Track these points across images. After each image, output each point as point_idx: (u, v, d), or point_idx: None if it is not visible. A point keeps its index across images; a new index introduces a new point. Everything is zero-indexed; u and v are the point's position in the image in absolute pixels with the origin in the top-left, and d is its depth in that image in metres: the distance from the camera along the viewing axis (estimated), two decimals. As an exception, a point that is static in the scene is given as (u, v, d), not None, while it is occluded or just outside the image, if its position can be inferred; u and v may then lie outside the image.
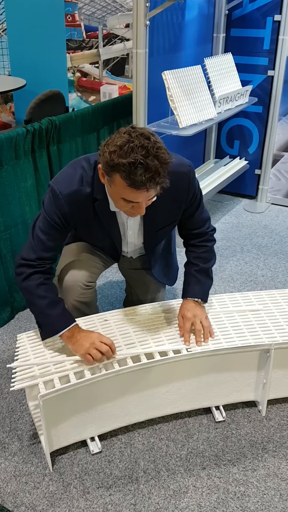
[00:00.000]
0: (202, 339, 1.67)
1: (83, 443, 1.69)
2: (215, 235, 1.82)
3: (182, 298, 1.78)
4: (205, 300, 1.78)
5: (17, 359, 1.62)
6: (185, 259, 1.83)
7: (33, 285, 1.58)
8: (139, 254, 1.89)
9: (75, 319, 1.63)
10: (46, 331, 1.62)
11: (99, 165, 1.44)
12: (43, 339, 1.65)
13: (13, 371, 1.57)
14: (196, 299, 1.74)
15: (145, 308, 1.83)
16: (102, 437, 1.70)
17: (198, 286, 1.76)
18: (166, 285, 2.04)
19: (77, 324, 1.61)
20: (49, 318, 1.60)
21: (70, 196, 1.54)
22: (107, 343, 1.56)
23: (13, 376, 1.55)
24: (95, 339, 1.56)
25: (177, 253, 2.07)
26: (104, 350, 1.55)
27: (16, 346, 1.69)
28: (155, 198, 1.47)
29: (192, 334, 1.69)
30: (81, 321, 1.74)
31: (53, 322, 1.59)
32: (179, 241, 1.90)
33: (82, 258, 1.79)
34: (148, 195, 1.40)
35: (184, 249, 1.85)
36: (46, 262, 1.61)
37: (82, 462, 1.63)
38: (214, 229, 1.81)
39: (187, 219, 1.73)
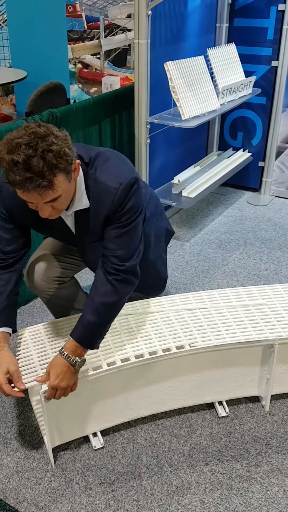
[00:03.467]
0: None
1: (86, 439, 1.68)
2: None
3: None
4: (87, 345, 1.47)
5: (18, 354, 1.60)
6: (184, 254, 1.76)
7: None
8: None
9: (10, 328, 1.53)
10: None
11: None
12: None
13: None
14: (63, 355, 1.45)
15: (147, 303, 1.82)
16: (104, 433, 1.69)
17: (80, 327, 1.46)
18: (166, 281, 2.00)
19: (6, 334, 1.51)
20: None
21: (7, 187, 1.43)
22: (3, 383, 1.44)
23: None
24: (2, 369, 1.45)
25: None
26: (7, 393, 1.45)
27: (18, 341, 1.67)
28: (57, 202, 1.35)
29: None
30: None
31: None
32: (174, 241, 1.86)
33: (48, 253, 1.76)
34: (33, 196, 1.29)
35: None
36: (9, 256, 1.55)
37: (84, 458, 1.62)
38: (133, 269, 1.49)
39: (105, 233, 1.49)
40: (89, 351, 1.52)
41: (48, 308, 1.91)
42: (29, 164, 1.23)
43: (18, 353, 1.61)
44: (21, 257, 1.59)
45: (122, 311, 1.76)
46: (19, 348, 1.63)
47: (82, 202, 1.46)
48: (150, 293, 1.89)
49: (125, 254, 1.47)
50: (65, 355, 1.44)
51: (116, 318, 1.73)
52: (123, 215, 1.45)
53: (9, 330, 1.54)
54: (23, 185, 1.26)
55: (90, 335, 1.47)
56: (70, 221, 1.56)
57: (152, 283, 1.89)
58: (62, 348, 1.47)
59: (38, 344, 1.64)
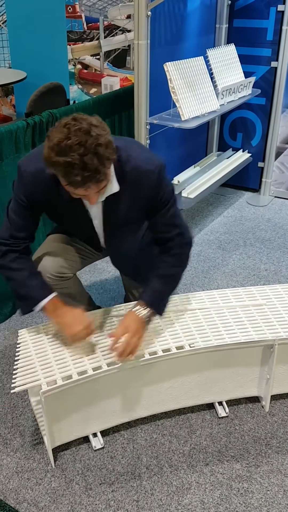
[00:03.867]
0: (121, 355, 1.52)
1: (86, 439, 1.68)
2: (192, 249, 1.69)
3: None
4: (154, 308, 1.61)
5: (18, 355, 1.60)
6: None
7: (8, 261, 1.57)
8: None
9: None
10: (27, 304, 1.58)
11: None
12: (23, 313, 1.63)
13: (14, 372, 1.56)
14: (140, 313, 1.58)
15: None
16: (104, 433, 1.69)
17: (150, 294, 1.61)
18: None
19: (58, 296, 1.58)
20: (29, 288, 1.56)
21: (33, 174, 1.49)
22: (88, 321, 1.56)
23: (14, 375, 1.54)
24: (80, 317, 1.55)
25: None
26: (88, 332, 1.55)
27: (18, 341, 1.67)
28: (107, 186, 1.42)
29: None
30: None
31: (34, 292, 1.56)
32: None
33: (54, 248, 1.77)
34: (91, 190, 1.35)
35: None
36: (20, 242, 1.59)
37: (84, 458, 1.62)
38: (188, 238, 1.65)
39: (154, 220, 1.61)
40: (87, 351, 1.55)
41: None
42: (84, 163, 1.25)
43: (18, 353, 1.61)
44: (28, 245, 1.63)
45: (124, 312, 1.77)
46: (19, 349, 1.63)
47: (113, 186, 1.49)
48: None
49: (184, 229, 1.63)
50: (141, 313, 1.57)
51: (116, 319, 1.73)
52: (167, 195, 1.55)
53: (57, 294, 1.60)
54: (83, 184, 1.30)
55: (162, 302, 1.64)
56: (95, 208, 1.58)
57: None
58: (134, 309, 1.59)
59: (37, 344, 1.64)
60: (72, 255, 1.81)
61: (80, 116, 1.30)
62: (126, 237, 1.70)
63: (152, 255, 1.69)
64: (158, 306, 1.63)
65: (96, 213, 1.61)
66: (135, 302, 1.63)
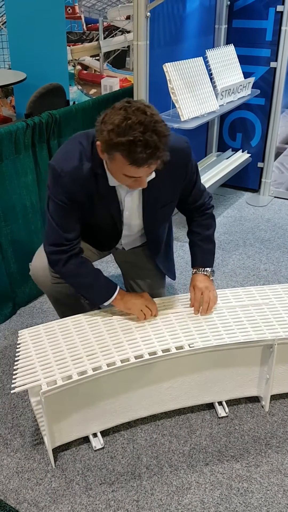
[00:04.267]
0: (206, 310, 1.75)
1: (86, 439, 1.68)
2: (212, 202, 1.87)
3: (191, 267, 1.86)
4: (211, 265, 1.85)
5: (18, 355, 1.61)
6: (184, 255, 1.83)
7: (73, 268, 1.64)
8: (132, 247, 1.87)
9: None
10: (100, 299, 1.72)
11: (98, 143, 1.42)
12: (92, 308, 1.80)
13: (14, 372, 1.56)
14: (205, 273, 1.82)
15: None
16: (104, 433, 1.69)
17: (203, 255, 1.84)
18: (166, 282, 2.02)
19: (120, 288, 1.72)
20: (99, 288, 1.70)
21: (71, 173, 1.52)
22: (154, 303, 1.74)
23: (14, 376, 1.54)
24: (146, 298, 1.73)
25: (175, 249, 2.06)
26: (154, 310, 1.72)
27: (18, 342, 1.68)
28: (153, 171, 1.48)
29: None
30: (82, 317, 1.73)
31: (104, 289, 1.69)
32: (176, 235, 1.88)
33: None
34: (150, 169, 1.41)
35: (188, 240, 1.88)
36: (74, 243, 1.63)
37: (84, 459, 1.63)
38: (211, 197, 1.84)
39: (187, 195, 1.75)
40: (89, 351, 1.56)
41: (53, 305, 1.92)
42: (146, 140, 1.30)
43: (18, 353, 1.62)
44: (79, 242, 1.67)
45: (121, 313, 1.77)
46: (19, 349, 1.64)
47: (152, 172, 1.51)
48: (171, 274, 2.01)
49: (206, 193, 1.81)
50: (206, 273, 1.82)
51: (116, 319, 1.74)
52: (195, 170, 1.71)
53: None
54: (147, 162, 1.35)
55: (212, 260, 1.85)
56: (128, 198, 1.63)
57: (173, 265, 2.03)
58: (196, 270, 1.83)
59: (38, 344, 1.64)
60: None
61: (131, 99, 1.39)
62: (162, 223, 1.80)
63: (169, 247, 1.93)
64: (212, 264, 1.85)
65: (129, 203, 1.65)
66: (191, 263, 1.86)
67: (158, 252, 1.87)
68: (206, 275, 1.82)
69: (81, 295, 1.78)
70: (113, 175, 1.50)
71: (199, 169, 3.19)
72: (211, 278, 1.83)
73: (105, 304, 1.72)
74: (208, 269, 1.82)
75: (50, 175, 1.55)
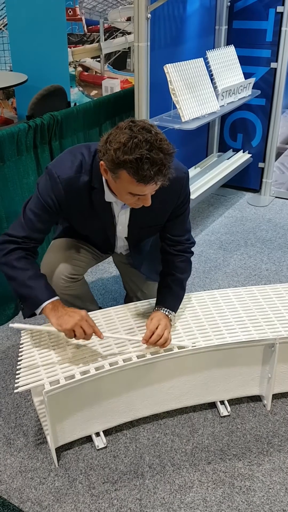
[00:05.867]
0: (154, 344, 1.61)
1: (88, 439, 1.69)
2: (193, 249, 1.79)
3: (155, 305, 1.72)
4: (174, 311, 1.72)
5: (21, 356, 1.62)
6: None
7: (13, 259, 1.55)
8: (127, 251, 1.89)
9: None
10: (28, 305, 1.56)
11: (101, 163, 1.43)
12: (25, 316, 1.61)
13: (17, 372, 1.57)
14: (165, 312, 1.67)
15: (149, 304, 1.83)
16: (107, 432, 1.70)
17: (171, 298, 1.72)
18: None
19: (59, 300, 1.57)
20: (32, 289, 1.53)
21: (68, 181, 1.53)
22: (92, 325, 1.54)
23: (17, 375, 1.55)
24: (83, 317, 1.52)
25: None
26: (89, 332, 1.52)
27: (20, 342, 1.69)
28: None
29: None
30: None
31: (36, 293, 1.53)
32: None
33: (64, 252, 1.79)
34: (156, 186, 1.42)
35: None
36: (32, 242, 1.59)
37: (87, 458, 1.63)
38: (193, 242, 1.78)
39: (171, 224, 1.70)
40: (89, 351, 1.58)
41: None
42: (153, 158, 1.32)
43: (20, 353, 1.63)
44: (37, 247, 1.63)
45: (125, 312, 1.78)
46: (22, 349, 1.65)
47: None
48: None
49: (190, 235, 1.76)
50: (171, 315, 1.67)
51: (116, 320, 1.75)
52: (186, 202, 1.67)
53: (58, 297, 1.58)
54: (154, 179, 1.36)
55: (177, 304, 1.74)
56: (123, 214, 1.64)
57: (158, 269, 1.95)
58: (158, 308, 1.68)
59: (40, 344, 1.65)
60: (81, 257, 1.84)
61: (135, 119, 1.42)
62: (144, 239, 1.82)
63: (157, 250, 1.82)
64: (177, 310, 1.74)
65: (123, 219, 1.66)
66: (156, 301, 1.74)
67: (141, 264, 1.88)
68: (165, 314, 1.67)
69: (16, 294, 1.62)
70: (117, 194, 1.50)
71: (200, 169, 3.18)
72: (169, 318, 1.67)
73: (36, 312, 1.55)
74: (173, 313, 1.69)
75: (45, 176, 1.55)
